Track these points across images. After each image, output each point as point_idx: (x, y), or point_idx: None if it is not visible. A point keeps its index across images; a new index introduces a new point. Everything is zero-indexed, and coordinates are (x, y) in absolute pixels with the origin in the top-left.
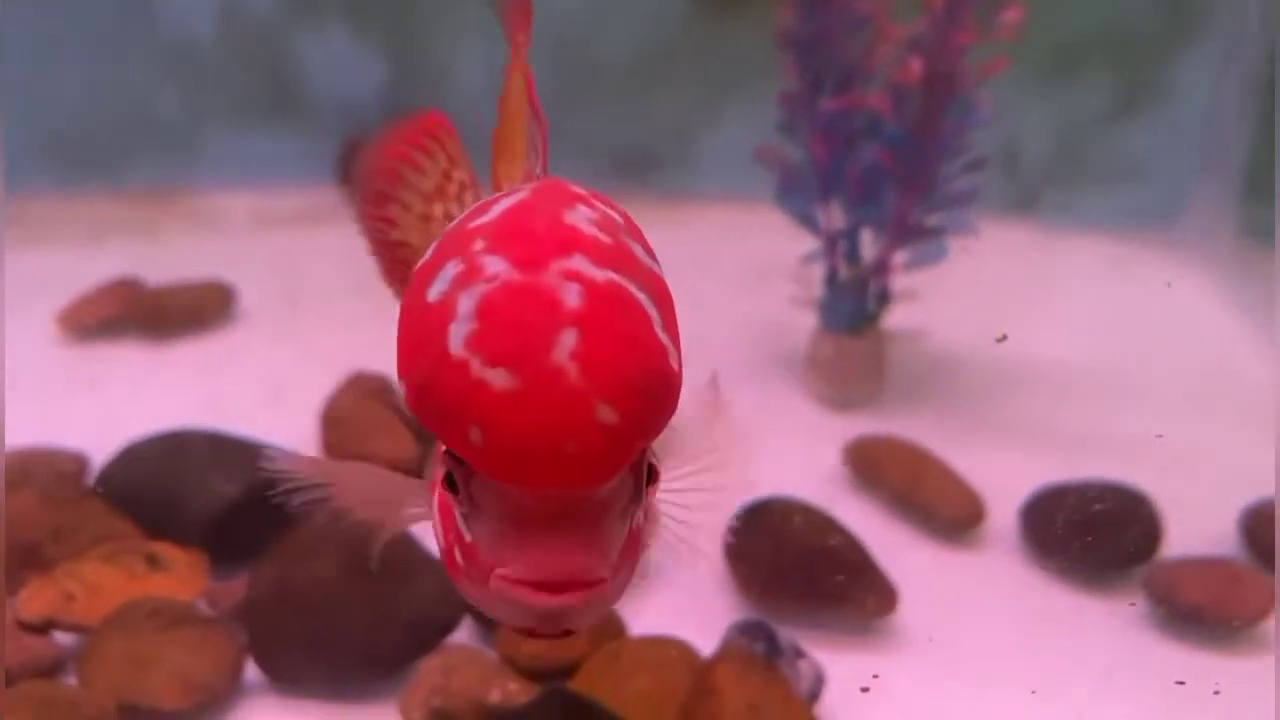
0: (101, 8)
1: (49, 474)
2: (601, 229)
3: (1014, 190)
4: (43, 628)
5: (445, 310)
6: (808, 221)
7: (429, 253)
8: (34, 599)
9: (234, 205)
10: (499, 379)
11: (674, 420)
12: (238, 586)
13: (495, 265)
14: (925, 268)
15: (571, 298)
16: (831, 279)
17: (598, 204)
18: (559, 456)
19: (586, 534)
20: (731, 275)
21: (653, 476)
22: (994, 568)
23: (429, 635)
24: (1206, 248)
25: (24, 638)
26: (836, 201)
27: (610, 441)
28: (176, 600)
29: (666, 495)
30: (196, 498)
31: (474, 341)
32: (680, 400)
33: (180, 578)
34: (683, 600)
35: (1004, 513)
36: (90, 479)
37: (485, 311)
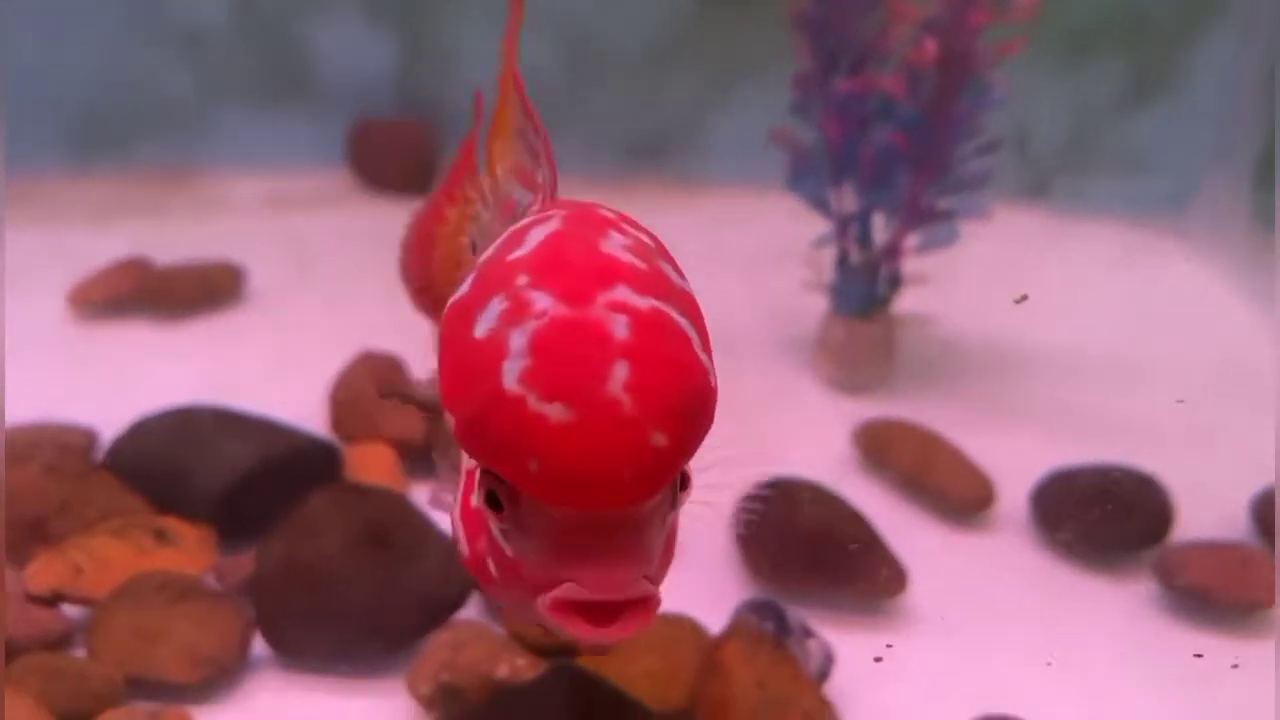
0: None
1: (57, 448)
2: (637, 255)
3: (1026, 176)
4: (51, 600)
5: (496, 347)
6: (820, 204)
7: (466, 286)
8: (42, 572)
9: (244, 187)
10: (556, 412)
11: None
12: (245, 562)
13: (542, 301)
14: (937, 251)
15: (620, 329)
16: (843, 262)
17: (628, 228)
18: (615, 481)
19: (634, 544)
20: (742, 259)
21: (685, 482)
22: (1004, 550)
23: (437, 611)
24: (1218, 235)
25: (32, 610)
26: (849, 184)
27: (661, 462)
28: (184, 574)
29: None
30: (205, 473)
31: (528, 378)
32: None
33: (188, 552)
34: (692, 579)
35: (1014, 496)
36: (99, 455)
37: (538, 348)
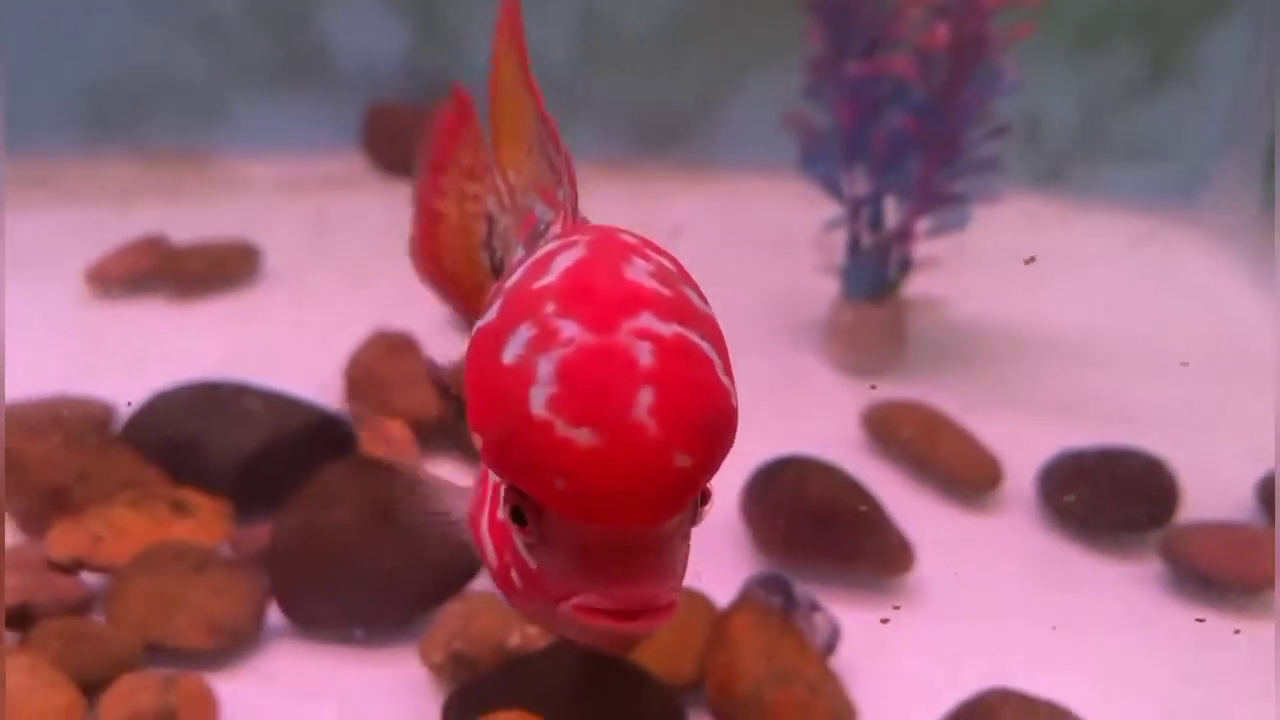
0: None
1: (78, 419)
2: (660, 281)
3: (1038, 163)
4: (71, 568)
5: (524, 373)
6: (832, 187)
7: (494, 312)
8: (63, 540)
9: (259, 170)
10: (583, 437)
11: None
12: (260, 533)
13: (569, 329)
14: (947, 235)
15: (645, 356)
16: (854, 246)
17: (651, 254)
18: (640, 501)
19: (657, 562)
20: (754, 242)
21: (706, 497)
22: (1011, 530)
23: (450, 581)
24: (1229, 223)
25: (53, 577)
26: (860, 168)
27: (685, 483)
28: (201, 544)
29: None
30: (221, 446)
31: (556, 404)
32: None
33: (205, 523)
34: (701, 554)
35: (1022, 477)
36: (118, 428)
37: (565, 376)
